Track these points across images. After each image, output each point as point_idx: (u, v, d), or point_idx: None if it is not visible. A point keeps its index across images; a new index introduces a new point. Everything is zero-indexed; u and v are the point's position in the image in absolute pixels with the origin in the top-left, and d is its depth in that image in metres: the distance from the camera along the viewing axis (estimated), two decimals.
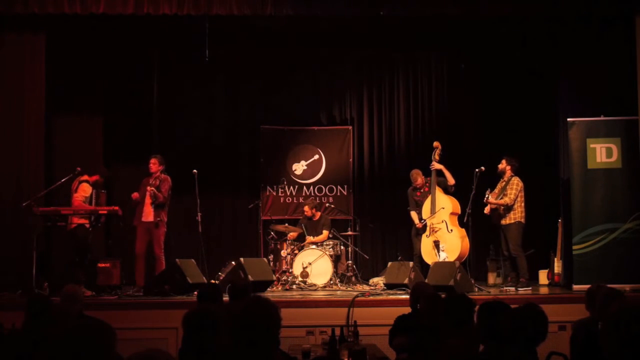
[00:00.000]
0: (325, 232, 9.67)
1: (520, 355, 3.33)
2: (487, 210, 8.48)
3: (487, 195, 8.37)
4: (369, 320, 6.64)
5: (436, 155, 8.88)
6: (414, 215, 9.14)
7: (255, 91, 10.63)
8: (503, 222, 8.42)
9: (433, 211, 8.72)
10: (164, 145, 10.17)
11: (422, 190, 9.12)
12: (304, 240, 9.59)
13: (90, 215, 8.22)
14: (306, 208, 9.85)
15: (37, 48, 8.62)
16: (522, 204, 8.42)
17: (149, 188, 8.50)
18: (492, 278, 9.31)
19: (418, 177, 9.11)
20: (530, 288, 8.26)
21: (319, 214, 9.93)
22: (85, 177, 8.35)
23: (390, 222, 10.52)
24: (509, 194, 8.34)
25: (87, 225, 8.23)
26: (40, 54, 8.63)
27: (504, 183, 8.50)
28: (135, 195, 8.57)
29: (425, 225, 8.79)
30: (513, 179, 8.45)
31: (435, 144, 8.95)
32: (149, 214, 8.57)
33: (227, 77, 10.51)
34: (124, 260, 8.71)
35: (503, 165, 8.54)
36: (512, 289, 8.16)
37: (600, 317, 4.30)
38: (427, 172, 9.07)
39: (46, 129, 8.88)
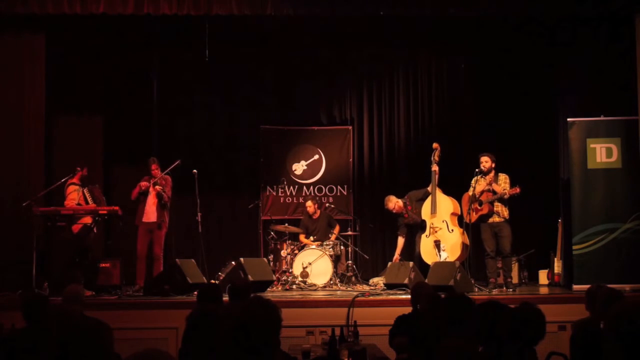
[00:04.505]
0: (337, 227, 9.72)
1: (519, 355, 3.33)
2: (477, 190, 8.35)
3: (476, 180, 8.28)
4: (369, 320, 6.64)
5: (435, 156, 8.84)
6: (400, 241, 9.17)
7: (255, 91, 10.62)
8: (496, 220, 8.29)
9: (434, 211, 8.70)
10: (164, 145, 10.18)
11: (407, 213, 9.10)
12: (307, 238, 9.66)
13: (92, 214, 8.24)
14: (310, 203, 9.87)
15: (37, 48, 8.63)
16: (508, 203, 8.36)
17: (157, 187, 8.49)
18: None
19: (388, 203, 9.09)
20: (501, 289, 8.15)
21: (319, 212, 9.95)
22: (71, 180, 8.37)
23: (390, 222, 10.48)
24: (502, 185, 8.20)
25: (91, 224, 8.24)
26: (40, 54, 8.64)
27: (490, 179, 8.37)
28: (144, 184, 8.54)
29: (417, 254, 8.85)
30: (500, 175, 8.33)
31: (435, 145, 8.89)
32: (152, 215, 8.57)
33: (227, 77, 10.51)
34: (124, 260, 8.70)
35: (489, 163, 8.31)
36: (503, 289, 8.14)
37: (600, 318, 4.29)
38: (424, 177, 9.07)
39: (46, 129, 8.89)
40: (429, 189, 8.82)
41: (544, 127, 9.84)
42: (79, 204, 8.29)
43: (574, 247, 8.27)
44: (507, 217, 8.27)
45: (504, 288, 8.20)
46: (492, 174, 8.34)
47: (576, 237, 8.28)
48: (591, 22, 8.58)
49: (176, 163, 8.72)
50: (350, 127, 10.88)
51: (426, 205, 8.82)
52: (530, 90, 10.00)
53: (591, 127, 8.42)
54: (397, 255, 9.15)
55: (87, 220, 8.28)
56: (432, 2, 8.37)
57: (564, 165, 9.02)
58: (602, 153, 8.35)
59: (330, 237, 9.56)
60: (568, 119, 8.50)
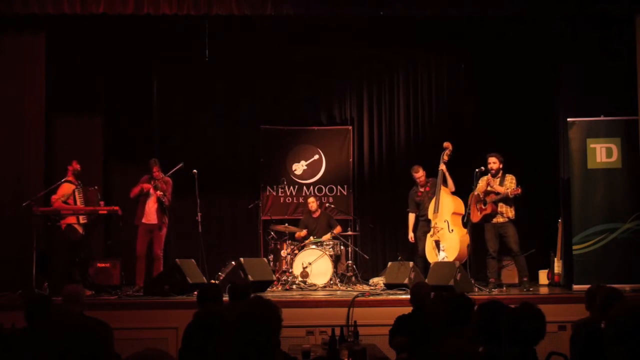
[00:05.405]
0: (338, 227, 9.71)
1: (519, 355, 3.33)
2: (480, 190, 8.34)
3: (480, 179, 8.28)
4: (369, 320, 6.65)
5: (445, 156, 8.77)
6: (411, 217, 9.17)
7: (255, 91, 10.63)
8: (500, 220, 8.30)
9: (436, 210, 8.69)
10: (164, 145, 10.20)
11: (423, 190, 9.09)
12: (307, 238, 9.64)
13: (77, 215, 8.23)
14: (312, 199, 9.91)
15: (37, 48, 8.62)
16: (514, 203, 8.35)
17: (158, 193, 8.49)
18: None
19: (419, 170, 9.09)
20: (501, 289, 8.19)
21: (319, 211, 9.96)
22: (67, 178, 8.36)
23: (390, 222, 10.51)
24: (508, 186, 8.20)
25: (76, 226, 8.24)
26: (40, 54, 8.64)
27: (498, 180, 8.38)
28: (146, 186, 8.55)
29: (421, 236, 8.91)
30: (507, 175, 8.36)
31: (446, 144, 8.81)
32: (152, 216, 8.56)
33: (227, 77, 10.51)
34: (124, 260, 8.70)
35: (497, 164, 8.34)
36: (503, 288, 8.16)
37: (600, 318, 4.29)
38: (430, 172, 9.06)
39: (46, 129, 8.89)
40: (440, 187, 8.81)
41: (544, 127, 9.83)
42: (66, 202, 8.26)
43: (574, 247, 8.27)
44: (513, 217, 8.26)
45: (520, 287, 8.17)
46: (499, 175, 8.35)
47: (576, 237, 8.28)
48: (591, 22, 8.57)
49: (179, 166, 8.74)
50: (350, 127, 10.88)
51: (431, 204, 8.82)
52: (530, 90, 10.00)
53: (591, 127, 8.42)
54: (410, 233, 9.14)
55: (72, 220, 8.27)
56: (432, 2, 8.37)
57: (564, 165, 9.01)
58: (602, 153, 8.35)
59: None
60: (568, 119, 8.50)
